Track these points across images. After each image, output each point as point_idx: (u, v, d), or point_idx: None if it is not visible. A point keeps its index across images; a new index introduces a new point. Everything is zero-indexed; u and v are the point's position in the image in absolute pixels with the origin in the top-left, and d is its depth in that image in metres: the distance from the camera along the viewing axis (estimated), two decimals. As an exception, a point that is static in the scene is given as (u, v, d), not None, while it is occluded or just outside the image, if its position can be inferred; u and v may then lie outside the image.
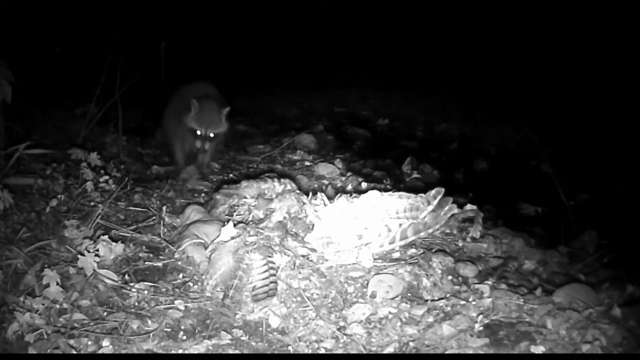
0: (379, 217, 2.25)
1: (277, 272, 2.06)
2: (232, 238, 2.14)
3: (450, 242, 2.44)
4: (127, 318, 1.87)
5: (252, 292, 1.96)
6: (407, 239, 2.29)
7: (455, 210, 2.40)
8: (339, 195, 2.37)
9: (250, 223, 2.33)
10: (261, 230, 2.21)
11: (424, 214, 2.30)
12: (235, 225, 2.18)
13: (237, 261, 2.04)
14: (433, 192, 2.37)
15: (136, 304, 1.98)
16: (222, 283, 2.04)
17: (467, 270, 2.18)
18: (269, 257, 2.07)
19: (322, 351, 1.77)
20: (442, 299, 2.00)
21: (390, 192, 2.36)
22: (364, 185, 2.98)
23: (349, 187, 3.02)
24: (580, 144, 4.09)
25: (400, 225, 2.26)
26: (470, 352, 1.71)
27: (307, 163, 3.57)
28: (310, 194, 2.43)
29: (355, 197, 2.31)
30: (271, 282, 1.99)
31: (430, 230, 2.35)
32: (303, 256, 2.21)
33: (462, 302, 1.95)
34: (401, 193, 2.37)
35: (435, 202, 2.33)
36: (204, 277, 2.10)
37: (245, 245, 2.09)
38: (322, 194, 2.39)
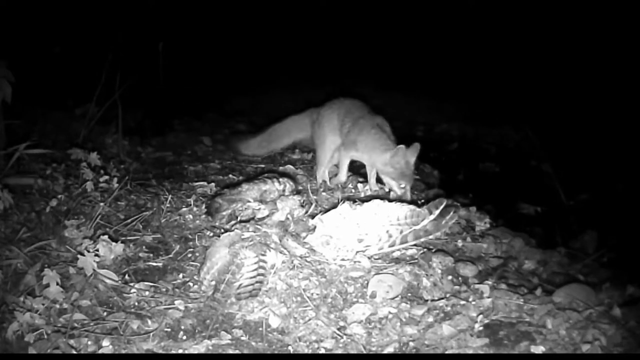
0: (380, 224, 2.25)
1: (266, 271, 2.07)
2: (227, 232, 2.16)
3: (450, 242, 2.44)
4: (127, 318, 1.87)
5: (236, 291, 1.98)
6: (407, 244, 2.30)
7: (457, 219, 2.45)
8: (342, 201, 2.39)
9: (251, 221, 2.34)
10: (259, 227, 2.22)
11: (425, 221, 2.31)
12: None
13: (232, 255, 2.05)
14: (435, 202, 2.40)
15: (136, 304, 1.98)
16: (218, 277, 2.05)
17: (467, 270, 2.18)
18: (262, 255, 2.08)
19: (322, 351, 1.76)
20: (442, 299, 2.00)
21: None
22: (360, 186, 2.98)
23: (349, 186, 3.03)
24: (580, 144, 4.09)
25: (402, 232, 2.27)
26: (470, 352, 1.71)
27: (307, 163, 3.58)
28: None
29: (358, 204, 2.33)
30: (257, 282, 2.01)
31: (431, 237, 2.36)
32: (301, 256, 2.21)
33: (462, 302, 1.95)
34: (403, 202, 2.39)
35: (437, 211, 2.34)
36: (200, 271, 2.11)
37: (241, 240, 2.10)
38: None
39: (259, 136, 3.39)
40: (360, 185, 3.02)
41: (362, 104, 3.00)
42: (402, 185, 2.66)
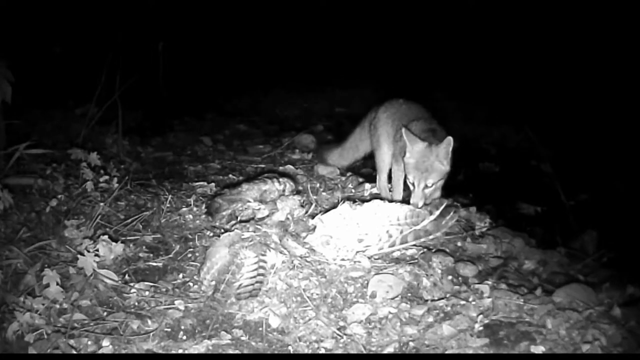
0: (380, 224, 2.25)
1: (266, 271, 2.07)
2: (227, 232, 2.16)
3: (450, 242, 2.44)
4: (127, 318, 1.87)
5: (237, 291, 1.99)
6: (407, 244, 2.30)
7: (457, 219, 2.44)
8: (342, 201, 2.39)
9: (251, 221, 2.35)
10: (259, 227, 2.22)
11: (425, 221, 2.31)
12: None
13: (232, 255, 2.06)
14: (435, 202, 2.41)
15: (136, 304, 1.98)
16: (218, 277, 2.05)
17: (467, 270, 2.18)
18: (262, 255, 2.08)
19: (322, 351, 1.76)
20: (442, 299, 2.00)
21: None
22: (367, 186, 2.98)
23: (349, 186, 3.03)
24: (580, 144, 4.09)
25: (402, 232, 2.27)
26: (470, 352, 1.71)
27: (307, 163, 3.58)
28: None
29: (358, 204, 2.33)
30: (257, 282, 2.01)
31: (431, 237, 2.36)
32: (301, 256, 2.21)
33: (462, 302, 1.95)
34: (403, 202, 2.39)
35: (437, 212, 2.34)
36: (200, 271, 2.11)
37: (241, 240, 2.10)
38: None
39: (340, 146, 3.18)
40: (360, 186, 3.02)
41: (420, 106, 2.72)
42: (411, 181, 2.41)
